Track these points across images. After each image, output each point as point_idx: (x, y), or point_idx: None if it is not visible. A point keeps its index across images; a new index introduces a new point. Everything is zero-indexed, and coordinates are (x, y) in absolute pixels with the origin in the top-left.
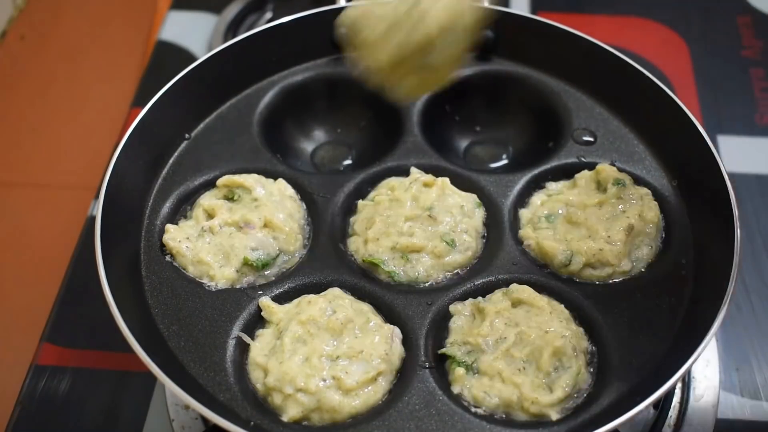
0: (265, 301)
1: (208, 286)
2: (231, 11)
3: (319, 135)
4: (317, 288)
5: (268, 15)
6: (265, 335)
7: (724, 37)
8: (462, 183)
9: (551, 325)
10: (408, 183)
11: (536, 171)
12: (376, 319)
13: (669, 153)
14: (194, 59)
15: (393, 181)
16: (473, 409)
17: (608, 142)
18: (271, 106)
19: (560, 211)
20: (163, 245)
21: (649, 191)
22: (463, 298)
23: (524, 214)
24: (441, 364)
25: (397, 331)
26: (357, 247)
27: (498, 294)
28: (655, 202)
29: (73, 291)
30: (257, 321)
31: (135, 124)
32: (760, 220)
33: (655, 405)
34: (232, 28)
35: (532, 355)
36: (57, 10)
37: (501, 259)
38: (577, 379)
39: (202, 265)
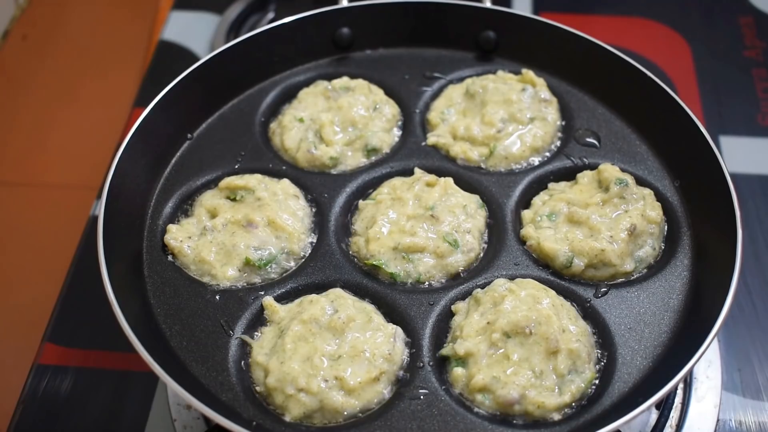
0: (268, 301)
1: (210, 286)
2: (233, 11)
3: None
4: (320, 288)
5: (270, 15)
6: (266, 335)
7: (726, 38)
8: (465, 183)
9: (560, 322)
10: (410, 182)
11: (539, 171)
12: (378, 319)
13: (671, 153)
14: (196, 59)
15: (395, 181)
16: (475, 409)
17: (610, 143)
18: (273, 106)
19: (562, 210)
20: (165, 245)
21: (651, 191)
22: (464, 297)
23: (526, 214)
24: (443, 364)
25: (399, 331)
26: (358, 247)
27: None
28: (658, 203)
29: (75, 291)
30: (260, 321)
31: (137, 123)
32: (762, 221)
33: (657, 405)
34: (234, 28)
35: (538, 353)
36: (59, 9)
37: (503, 259)
38: (588, 384)
39: (204, 264)
